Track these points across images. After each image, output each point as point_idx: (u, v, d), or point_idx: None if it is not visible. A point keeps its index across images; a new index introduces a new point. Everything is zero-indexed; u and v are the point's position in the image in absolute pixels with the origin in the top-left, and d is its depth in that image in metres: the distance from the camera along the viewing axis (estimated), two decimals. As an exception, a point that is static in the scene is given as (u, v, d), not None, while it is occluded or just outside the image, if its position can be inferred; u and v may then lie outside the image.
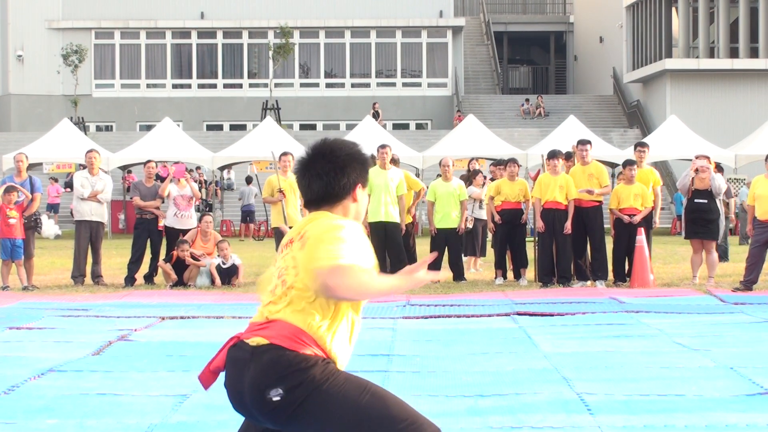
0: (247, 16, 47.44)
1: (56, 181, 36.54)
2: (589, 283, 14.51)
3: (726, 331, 9.78)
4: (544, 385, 7.10)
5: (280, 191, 14.67)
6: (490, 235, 16.65)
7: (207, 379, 3.73)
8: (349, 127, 40.36)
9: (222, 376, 3.72)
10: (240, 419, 3.81)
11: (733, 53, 43.82)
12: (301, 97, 47.39)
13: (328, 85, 48.38)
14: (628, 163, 15.02)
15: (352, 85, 48.39)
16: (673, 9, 44.50)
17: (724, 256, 18.34)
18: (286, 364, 3.52)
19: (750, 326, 10.20)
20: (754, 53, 43.75)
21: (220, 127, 46.83)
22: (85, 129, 41.18)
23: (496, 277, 15.41)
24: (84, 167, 16.42)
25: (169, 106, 45.91)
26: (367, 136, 30.44)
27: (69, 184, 33.47)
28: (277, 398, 3.50)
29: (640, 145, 15.73)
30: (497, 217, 15.25)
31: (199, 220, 15.65)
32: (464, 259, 16.19)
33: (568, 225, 14.40)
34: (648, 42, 45.51)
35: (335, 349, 3.63)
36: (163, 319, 11.07)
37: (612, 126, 45.04)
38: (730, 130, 39.72)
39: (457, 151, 30.21)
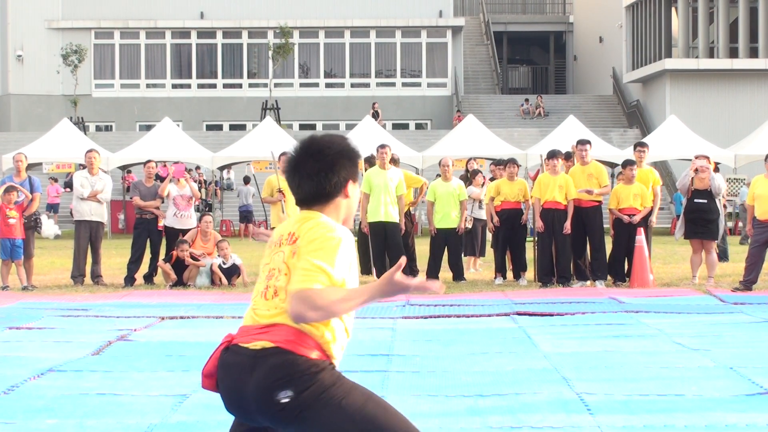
0: (246, 16, 47.43)
1: (56, 181, 36.53)
2: (588, 283, 14.51)
3: (726, 331, 9.78)
4: (544, 385, 7.10)
5: (280, 191, 14.67)
6: (489, 235, 16.65)
7: (208, 384, 3.74)
8: (349, 127, 40.36)
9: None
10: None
11: (733, 53, 43.82)
12: (301, 97, 47.39)
13: (328, 85, 48.37)
14: (627, 163, 15.02)
15: (352, 85, 48.39)
16: (673, 9, 44.50)
17: (723, 256, 18.34)
18: (296, 368, 3.53)
19: (750, 326, 10.20)
20: (753, 53, 43.74)
21: (219, 127, 46.82)
22: (84, 129, 41.17)
23: (495, 277, 15.41)
24: (84, 167, 16.42)
25: (169, 106, 45.91)
26: (366, 136, 30.44)
27: (69, 184, 33.44)
28: (286, 400, 3.51)
29: (640, 145, 15.74)
30: (496, 219, 15.25)
31: (199, 220, 15.66)
32: (464, 259, 16.18)
33: (568, 225, 14.40)
34: (648, 42, 45.51)
35: (335, 351, 3.64)
36: (163, 319, 11.07)
37: (612, 126, 45.04)
38: (729, 130, 39.73)
39: (456, 151, 30.19)
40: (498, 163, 17.52)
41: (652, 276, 14.45)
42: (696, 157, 14.95)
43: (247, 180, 34.35)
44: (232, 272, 15.20)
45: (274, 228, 17.07)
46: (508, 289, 14.26)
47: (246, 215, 33.45)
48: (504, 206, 15.26)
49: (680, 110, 39.77)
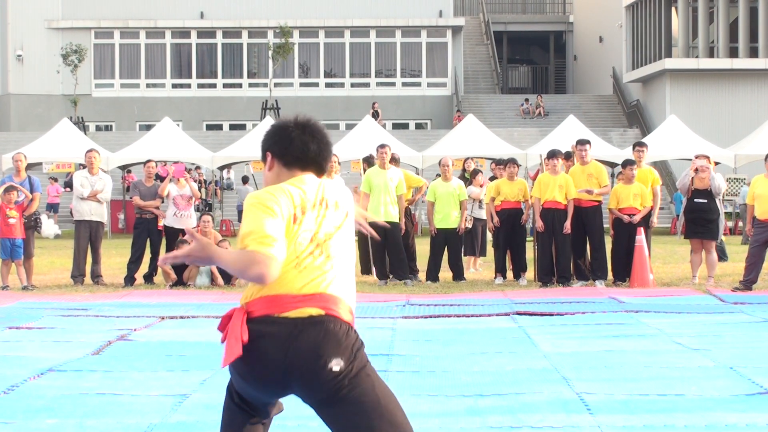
0: (246, 15, 47.42)
1: (56, 180, 36.52)
2: (588, 282, 14.51)
3: (726, 331, 9.78)
4: (544, 384, 7.10)
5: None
6: (489, 235, 16.65)
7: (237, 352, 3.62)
8: (349, 127, 40.35)
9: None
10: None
11: (733, 53, 43.81)
12: (301, 97, 47.36)
13: (328, 85, 48.36)
14: (627, 163, 15.02)
15: (352, 85, 48.38)
16: (673, 9, 44.49)
17: (722, 255, 18.34)
18: (346, 338, 3.65)
19: (749, 326, 10.20)
20: (753, 53, 43.74)
21: (219, 127, 46.82)
22: (84, 129, 41.16)
23: (495, 277, 15.41)
24: (84, 167, 16.42)
25: (169, 105, 45.90)
26: (366, 135, 30.46)
27: (69, 184, 33.43)
28: (338, 368, 3.59)
29: (639, 145, 15.74)
30: (496, 219, 15.25)
31: (199, 219, 15.66)
32: (464, 258, 16.18)
33: (568, 225, 14.40)
34: (647, 42, 45.50)
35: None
36: (163, 318, 11.07)
37: (611, 126, 45.03)
38: (729, 129, 39.72)
39: (456, 150, 30.16)
40: (498, 162, 17.52)
41: (652, 276, 14.45)
42: (696, 157, 14.96)
43: (245, 179, 34.32)
44: (232, 272, 15.17)
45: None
46: (508, 288, 14.25)
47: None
48: (504, 206, 15.26)
49: (680, 110, 39.77)
